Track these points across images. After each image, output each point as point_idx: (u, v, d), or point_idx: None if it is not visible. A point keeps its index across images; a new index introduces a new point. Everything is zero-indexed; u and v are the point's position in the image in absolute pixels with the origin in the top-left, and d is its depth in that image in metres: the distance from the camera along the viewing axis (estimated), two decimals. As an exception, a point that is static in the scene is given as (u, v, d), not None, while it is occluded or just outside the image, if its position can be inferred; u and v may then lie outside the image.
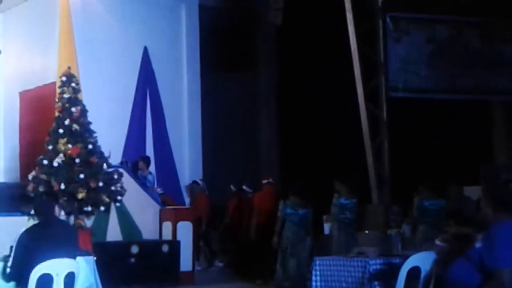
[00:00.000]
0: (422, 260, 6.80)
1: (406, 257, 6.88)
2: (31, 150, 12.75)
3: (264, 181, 12.37)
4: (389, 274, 6.96)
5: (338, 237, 10.06)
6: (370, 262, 7.14)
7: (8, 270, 6.22)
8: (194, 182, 13.94)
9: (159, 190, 13.10)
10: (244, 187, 13.25)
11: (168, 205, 12.61)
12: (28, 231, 6.35)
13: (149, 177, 12.77)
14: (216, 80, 15.84)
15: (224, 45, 16.07)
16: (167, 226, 11.98)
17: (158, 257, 11.27)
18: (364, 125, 14.26)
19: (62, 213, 9.60)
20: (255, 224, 11.72)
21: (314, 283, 7.38)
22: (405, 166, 14.19)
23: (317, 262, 7.49)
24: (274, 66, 16.61)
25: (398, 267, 6.83)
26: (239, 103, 16.46)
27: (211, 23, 15.38)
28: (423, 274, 6.72)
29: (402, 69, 14.73)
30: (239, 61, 16.47)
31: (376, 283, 7.05)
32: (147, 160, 13.02)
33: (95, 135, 11.07)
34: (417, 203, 9.92)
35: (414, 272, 6.73)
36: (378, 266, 7.14)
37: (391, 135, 14.53)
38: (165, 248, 11.43)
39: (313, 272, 7.44)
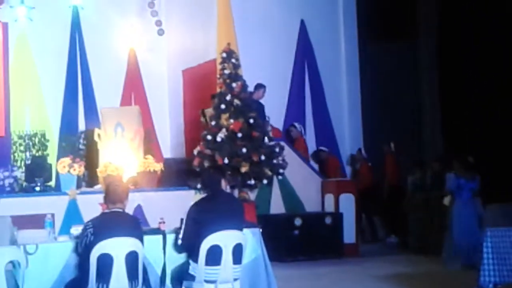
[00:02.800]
0: None
1: None
2: (195, 126, 13.13)
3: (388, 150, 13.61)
4: None
5: None
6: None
7: (179, 241, 6.42)
8: (320, 150, 13.81)
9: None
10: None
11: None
12: (197, 204, 6.52)
13: None
14: (375, 50, 15.55)
15: (383, 13, 15.72)
16: (329, 198, 11.99)
17: (321, 229, 11.28)
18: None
19: (227, 186, 9.84)
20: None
21: (485, 255, 7.07)
22: None
23: (488, 234, 7.15)
24: (436, 33, 16.01)
25: None
26: (399, 72, 16.08)
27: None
28: None
29: None
30: (399, 29, 16.04)
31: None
32: None
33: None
34: None
35: None
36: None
37: None
38: (328, 220, 11.42)
39: (484, 244, 7.12)
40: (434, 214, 11.26)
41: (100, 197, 7.03)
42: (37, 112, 13.77)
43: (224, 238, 6.25)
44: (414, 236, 12.01)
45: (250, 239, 6.89)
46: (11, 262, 5.74)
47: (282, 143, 11.43)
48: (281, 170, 11.09)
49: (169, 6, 15.14)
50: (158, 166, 11.31)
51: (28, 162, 12.41)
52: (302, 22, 14.08)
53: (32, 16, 13.60)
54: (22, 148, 12.98)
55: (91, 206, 9.23)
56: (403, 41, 16.11)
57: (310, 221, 11.34)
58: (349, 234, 11.63)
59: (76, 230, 6.51)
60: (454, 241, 10.18)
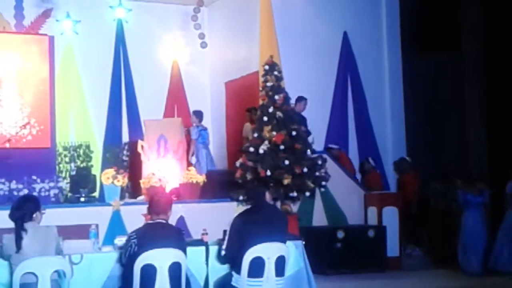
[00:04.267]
0: None
1: None
2: (238, 138, 13.17)
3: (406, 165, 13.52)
4: None
5: None
6: None
7: (222, 252, 6.44)
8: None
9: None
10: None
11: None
12: (241, 215, 6.53)
13: (202, 133, 12.60)
14: (418, 61, 15.42)
15: (427, 24, 15.59)
16: (372, 211, 11.88)
17: (364, 242, 11.16)
18: None
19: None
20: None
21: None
22: None
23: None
24: (480, 45, 15.84)
25: None
26: (443, 83, 15.92)
27: (412, 2, 14.98)
28: None
29: None
30: (443, 41, 15.90)
31: None
32: (198, 114, 12.81)
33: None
34: None
35: None
36: None
37: None
38: (371, 233, 11.31)
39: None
40: (455, 227, 11.23)
41: (143, 208, 7.11)
42: (82, 124, 13.96)
43: (267, 250, 6.24)
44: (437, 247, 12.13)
45: (293, 251, 6.88)
46: (57, 271, 5.81)
47: (325, 156, 11.38)
48: (323, 183, 11.03)
49: (212, 19, 15.26)
50: (201, 178, 11.34)
51: (73, 173, 12.58)
52: (345, 34, 14.01)
53: (78, 30, 13.86)
54: (67, 159, 13.16)
55: (134, 217, 9.32)
56: (447, 53, 15.95)
57: (353, 234, 11.23)
58: (393, 248, 11.50)
59: (120, 240, 6.58)
60: (465, 253, 10.67)
